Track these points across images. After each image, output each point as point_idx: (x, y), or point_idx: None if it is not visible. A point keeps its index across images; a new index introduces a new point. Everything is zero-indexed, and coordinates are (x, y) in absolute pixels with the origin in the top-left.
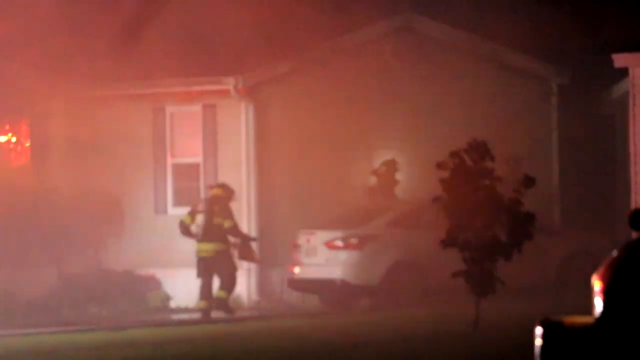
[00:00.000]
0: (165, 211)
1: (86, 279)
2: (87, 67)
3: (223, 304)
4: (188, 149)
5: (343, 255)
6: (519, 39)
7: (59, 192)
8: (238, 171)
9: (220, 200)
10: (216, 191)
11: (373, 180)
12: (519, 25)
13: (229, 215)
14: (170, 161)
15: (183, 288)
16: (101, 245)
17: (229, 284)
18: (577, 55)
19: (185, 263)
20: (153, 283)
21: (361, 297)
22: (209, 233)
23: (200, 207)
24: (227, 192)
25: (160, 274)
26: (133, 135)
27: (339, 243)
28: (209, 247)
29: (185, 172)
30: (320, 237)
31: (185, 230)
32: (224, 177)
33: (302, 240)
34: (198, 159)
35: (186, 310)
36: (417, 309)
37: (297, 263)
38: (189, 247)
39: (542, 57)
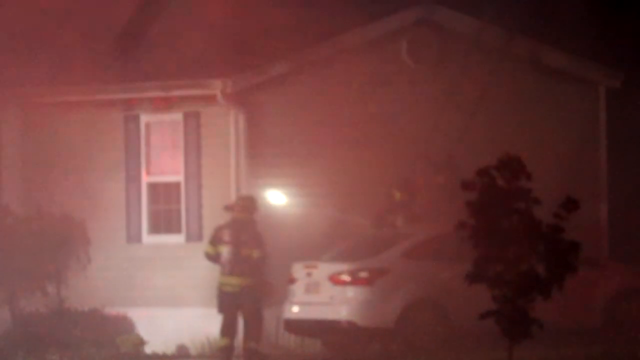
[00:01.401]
0: (139, 239)
1: (45, 319)
2: (46, 69)
3: (255, 354)
4: (167, 165)
5: (350, 291)
6: (561, 36)
7: (11, 214)
8: (226, 191)
9: (246, 226)
10: (238, 215)
11: (387, 202)
12: (561, 20)
13: (258, 243)
14: (145, 179)
15: (160, 331)
16: (63, 279)
17: (256, 330)
18: (630, 55)
19: (162, 301)
20: (124, 325)
21: (372, 341)
22: (237, 266)
23: (225, 236)
24: (251, 211)
25: (133, 314)
26: (101, 148)
27: (346, 277)
28: (235, 281)
29: (164, 193)
30: (323, 270)
31: (214, 260)
32: (209, 199)
33: (301, 273)
34: (179, 177)
35: (163, 357)
36: (439, 356)
37: (296, 301)
38: (168, 282)
39: (589, 57)
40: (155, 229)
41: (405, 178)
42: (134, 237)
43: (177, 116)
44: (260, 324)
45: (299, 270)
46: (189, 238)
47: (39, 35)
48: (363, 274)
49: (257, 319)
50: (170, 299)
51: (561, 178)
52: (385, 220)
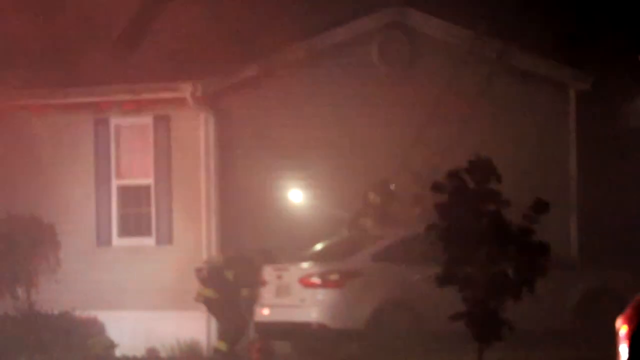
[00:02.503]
0: (109, 242)
1: (14, 323)
2: (14, 72)
3: (221, 357)
4: (137, 168)
5: (321, 294)
6: (530, 38)
7: None
8: (196, 195)
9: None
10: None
11: (361, 204)
12: (530, 22)
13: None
14: (115, 183)
15: (130, 334)
16: (32, 282)
17: (232, 332)
18: (600, 57)
19: (133, 304)
20: (95, 328)
21: (342, 344)
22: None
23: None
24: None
25: (103, 316)
26: (71, 152)
27: (316, 280)
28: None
29: (134, 196)
30: (293, 272)
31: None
32: (180, 202)
33: (271, 276)
34: (149, 180)
35: None
36: (409, 358)
37: (266, 303)
38: (138, 285)
39: (558, 59)
40: (125, 232)
41: (381, 180)
42: (104, 240)
43: (147, 119)
44: (239, 331)
45: (269, 272)
46: (159, 241)
47: (6, 38)
48: (333, 277)
49: (235, 325)
50: (141, 302)
51: (531, 180)
52: (359, 222)
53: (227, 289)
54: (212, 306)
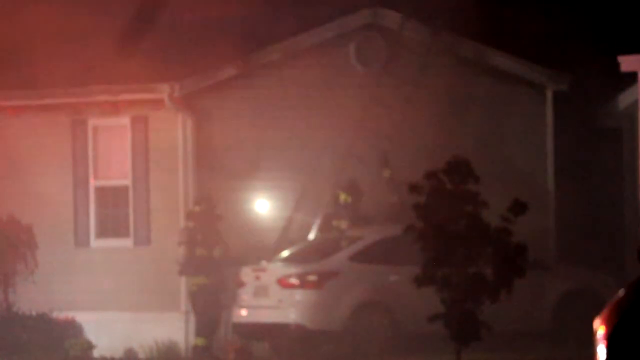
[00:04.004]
0: (87, 243)
1: None
2: None
3: (200, 353)
4: (114, 169)
5: (299, 295)
6: (507, 39)
7: None
8: (174, 196)
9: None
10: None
11: (335, 205)
12: (507, 23)
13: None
14: (93, 184)
15: (108, 335)
16: (10, 283)
17: (208, 326)
18: (577, 57)
19: (111, 305)
20: (73, 329)
21: (321, 344)
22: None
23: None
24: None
25: (81, 318)
26: (49, 153)
27: (295, 281)
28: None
29: (112, 197)
30: (271, 273)
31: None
32: (158, 203)
33: (249, 277)
34: (126, 181)
35: None
36: (387, 359)
37: (244, 304)
38: (116, 286)
39: (535, 59)
40: (103, 233)
41: (349, 180)
42: (81, 241)
43: (124, 120)
44: (212, 325)
45: (247, 273)
46: (137, 242)
47: None
48: (312, 277)
49: (209, 319)
50: (119, 303)
51: (508, 181)
52: (331, 223)
53: (215, 271)
54: (203, 294)
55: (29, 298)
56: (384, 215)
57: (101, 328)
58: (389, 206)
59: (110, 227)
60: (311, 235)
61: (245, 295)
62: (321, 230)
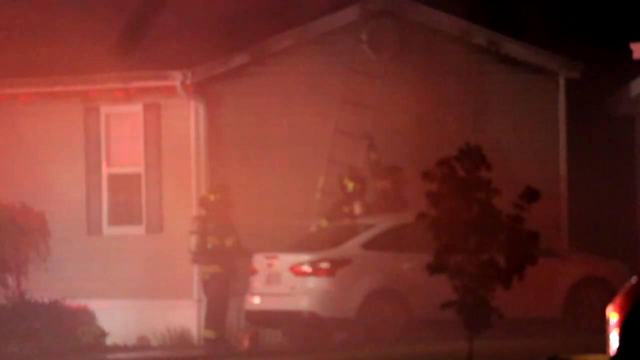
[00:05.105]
0: (99, 231)
1: (4, 312)
2: (4, 60)
3: (211, 345)
4: (127, 156)
5: (311, 282)
6: (519, 27)
7: None
8: (187, 183)
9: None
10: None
11: (341, 193)
12: (519, 10)
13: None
14: (105, 171)
15: (120, 322)
16: (23, 271)
17: (217, 318)
18: (589, 45)
19: (123, 293)
20: (85, 316)
21: (333, 332)
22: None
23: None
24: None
25: (93, 305)
26: (61, 140)
27: (307, 268)
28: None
29: (124, 185)
30: (284, 261)
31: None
32: (170, 190)
33: (262, 264)
34: (139, 168)
35: (124, 349)
36: (400, 346)
37: (256, 292)
38: (128, 274)
39: (548, 47)
40: (115, 220)
41: (354, 167)
42: (94, 228)
43: (137, 108)
44: (220, 317)
45: (260, 261)
46: (149, 229)
47: None
48: (324, 265)
49: (217, 310)
50: (131, 291)
51: (521, 168)
52: (341, 211)
53: (228, 260)
54: (216, 282)
55: (42, 286)
56: (380, 202)
57: (114, 315)
58: (379, 191)
59: (123, 214)
60: (324, 222)
61: (257, 282)
62: (331, 219)
